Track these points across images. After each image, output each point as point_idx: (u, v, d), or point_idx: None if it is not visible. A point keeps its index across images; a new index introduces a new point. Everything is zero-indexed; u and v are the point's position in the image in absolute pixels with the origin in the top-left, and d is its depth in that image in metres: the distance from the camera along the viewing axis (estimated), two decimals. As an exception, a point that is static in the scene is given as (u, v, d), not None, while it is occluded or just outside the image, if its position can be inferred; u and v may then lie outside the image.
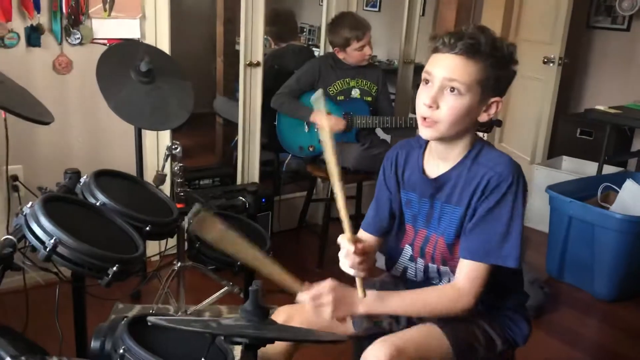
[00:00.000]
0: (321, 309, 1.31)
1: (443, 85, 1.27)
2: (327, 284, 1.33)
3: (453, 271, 1.41)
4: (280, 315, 1.51)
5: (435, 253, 1.43)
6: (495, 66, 1.27)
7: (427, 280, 1.50)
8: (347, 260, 1.32)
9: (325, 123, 1.33)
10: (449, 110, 1.28)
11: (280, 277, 1.31)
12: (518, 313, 1.48)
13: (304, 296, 1.31)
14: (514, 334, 1.47)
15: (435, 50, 1.30)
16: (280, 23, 3.60)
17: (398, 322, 1.50)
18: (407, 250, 1.50)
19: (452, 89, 1.27)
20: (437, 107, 1.28)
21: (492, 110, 1.33)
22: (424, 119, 1.30)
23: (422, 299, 1.37)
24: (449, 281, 1.43)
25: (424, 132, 1.32)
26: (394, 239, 1.53)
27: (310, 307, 1.31)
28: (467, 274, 1.33)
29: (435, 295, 1.38)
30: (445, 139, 1.34)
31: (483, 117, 1.33)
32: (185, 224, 1.59)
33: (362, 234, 1.53)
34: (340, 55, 3.04)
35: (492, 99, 1.32)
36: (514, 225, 1.31)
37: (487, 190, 1.31)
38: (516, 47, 1.33)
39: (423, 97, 1.30)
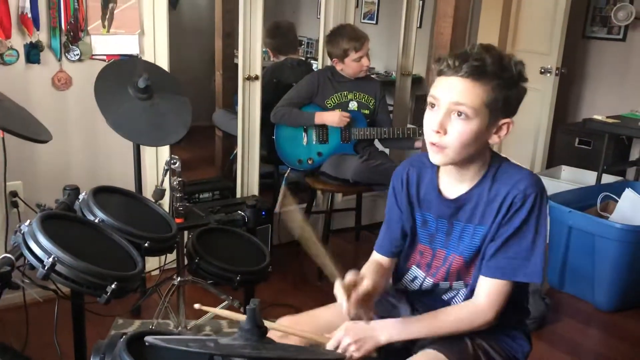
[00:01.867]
0: (348, 352, 1.32)
1: (450, 109, 1.24)
2: (342, 328, 1.35)
3: (466, 284, 1.40)
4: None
5: (451, 270, 1.41)
6: (503, 87, 1.24)
7: (433, 292, 1.48)
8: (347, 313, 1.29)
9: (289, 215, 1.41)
10: (457, 135, 1.24)
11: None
12: (518, 330, 1.47)
13: (332, 344, 1.34)
14: (515, 352, 1.45)
15: (440, 73, 1.26)
16: (281, 36, 3.62)
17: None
18: (413, 272, 1.49)
19: (460, 113, 1.23)
20: (445, 133, 1.25)
21: (503, 132, 1.29)
22: (433, 144, 1.28)
23: (439, 320, 1.37)
24: (464, 293, 1.42)
25: (434, 158, 1.30)
26: (402, 258, 1.51)
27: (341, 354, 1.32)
28: (490, 291, 1.32)
29: (455, 314, 1.37)
30: (457, 163, 1.31)
31: (494, 140, 1.30)
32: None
33: (375, 255, 1.51)
34: (339, 67, 3.06)
35: (503, 121, 1.28)
36: (539, 240, 1.30)
37: (512, 209, 1.29)
38: (524, 65, 1.28)
39: (430, 122, 1.27)
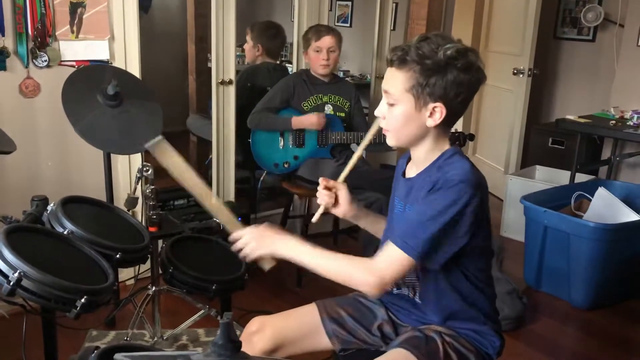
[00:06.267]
0: (247, 246, 1.41)
1: (385, 97, 1.37)
2: (251, 227, 1.45)
3: (417, 275, 1.42)
4: (253, 325, 1.55)
5: None
6: (425, 72, 1.28)
7: (405, 296, 1.50)
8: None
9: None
10: (390, 120, 1.37)
11: (221, 213, 1.50)
12: (486, 326, 1.47)
13: (237, 233, 1.44)
14: (485, 347, 1.46)
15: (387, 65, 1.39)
16: (280, 39, 3.63)
17: (370, 332, 1.53)
18: None
19: (389, 100, 1.36)
20: (384, 118, 1.39)
21: (437, 116, 1.32)
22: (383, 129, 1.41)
23: (334, 261, 1.35)
24: (414, 285, 1.46)
25: (387, 140, 1.42)
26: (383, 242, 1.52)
27: (239, 244, 1.43)
28: (386, 256, 1.30)
29: (348, 262, 1.34)
30: (407, 146, 1.42)
31: (430, 123, 1.33)
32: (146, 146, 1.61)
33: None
34: (306, 59, 3.09)
35: (432, 105, 1.31)
36: (434, 224, 1.27)
37: (433, 189, 1.31)
38: (462, 51, 1.28)
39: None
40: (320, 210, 1.57)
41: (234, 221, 1.51)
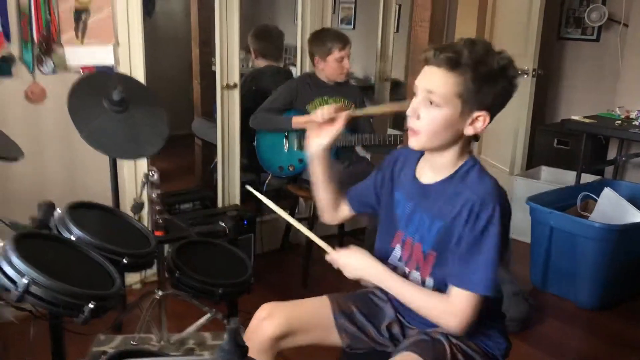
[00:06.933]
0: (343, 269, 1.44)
1: (425, 97, 1.30)
2: (348, 248, 1.45)
3: (423, 278, 1.42)
4: (264, 311, 1.54)
5: (412, 258, 1.44)
6: (477, 80, 1.26)
7: None
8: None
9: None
10: (427, 121, 1.31)
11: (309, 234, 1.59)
12: (493, 328, 1.48)
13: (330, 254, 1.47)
14: (492, 350, 1.46)
15: (424, 62, 1.32)
16: (267, 40, 3.59)
17: (379, 331, 1.53)
18: (397, 251, 1.50)
19: (431, 102, 1.29)
20: (418, 118, 1.32)
21: (479, 125, 1.31)
22: (409, 128, 1.35)
23: (421, 297, 1.39)
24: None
25: (410, 141, 1.36)
26: (383, 239, 1.53)
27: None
28: (461, 300, 1.32)
29: (433, 302, 1.37)
30: (431, 150, 1.37)
31: (469, 131, 1.32)
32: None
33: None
34: (320, 66, 3.04)
35: (477, 113, 1.30)
36: (490, 252, 1.30)
37: (472, 217, 1.30)
38: (512, 62, 1.31)
39: (409, 108, 1.34)
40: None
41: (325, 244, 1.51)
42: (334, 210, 1.65)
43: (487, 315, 1.43)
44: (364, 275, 1.44)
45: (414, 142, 1.35)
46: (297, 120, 2.96)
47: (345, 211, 1.65)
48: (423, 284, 1.43)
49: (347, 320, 1.53)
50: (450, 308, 1.33)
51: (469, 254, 1.31)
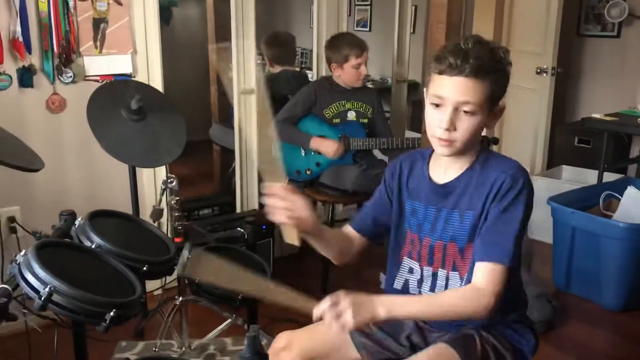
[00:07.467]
0: (341, 318, 1.21)
1: (457, 107, 1.29)
2: (341, 292, 1.25)
3: (462, 277, 1.40)
4: (281, 341, 1.51)
5: (446, 259, 1.42)
6: (499, 78, 1.31)
7: (432, 291, 1.46)
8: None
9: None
10: (466, 130, 1.31)
11: (290, 299, 1.23)
12: (522, 324, 1.47)
13: (321, 308, 1.22)
14: (521, 346, 1.45)
15: (442, 72, 1.29)
16: (279, 46, 3.61)
17: (399, 342, 1.50)
18: (407, 263, 1.49)
19: (466, 111, 1.29)
20: (455, 129, 1.31)
21: (498, 115, 1.37)
22: (441, 139, 1.32)
23: (440, 300, 1.36)
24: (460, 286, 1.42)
25: (442, 150, 1.35)
26: (392, 253, 1.52)
27: (328, 319, 1.21)
28: (486, 275, 1.30)
29: (454, 296, 1.35)
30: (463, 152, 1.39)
31: (491, 125, 1.38)
32: (178, 270, 1.56)
33: (346, 228, 1.55)
34: (337, 73, 3.04)
35: (498, 107, 1.36)
36: (520, 228, 1.32)
37: (500, 192, 1.32)
38: (505, 48, 1.35)
39: (439, 121, 1.31)
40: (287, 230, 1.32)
41: (309, 300, 1.26)
42: (347, 254, 1.52)
43: (511, 300, 1.41)
44: (373, 316, 1.25)
45: (447, 151, 1.34)
46: (315, 143, 2.98)
47: (358, 244, 1.52)
48: (462, 281, 1.40)
49: (365, 338, 1.51)
50: (477, 291, 1.30)
51: (495, 227, 1.32)
